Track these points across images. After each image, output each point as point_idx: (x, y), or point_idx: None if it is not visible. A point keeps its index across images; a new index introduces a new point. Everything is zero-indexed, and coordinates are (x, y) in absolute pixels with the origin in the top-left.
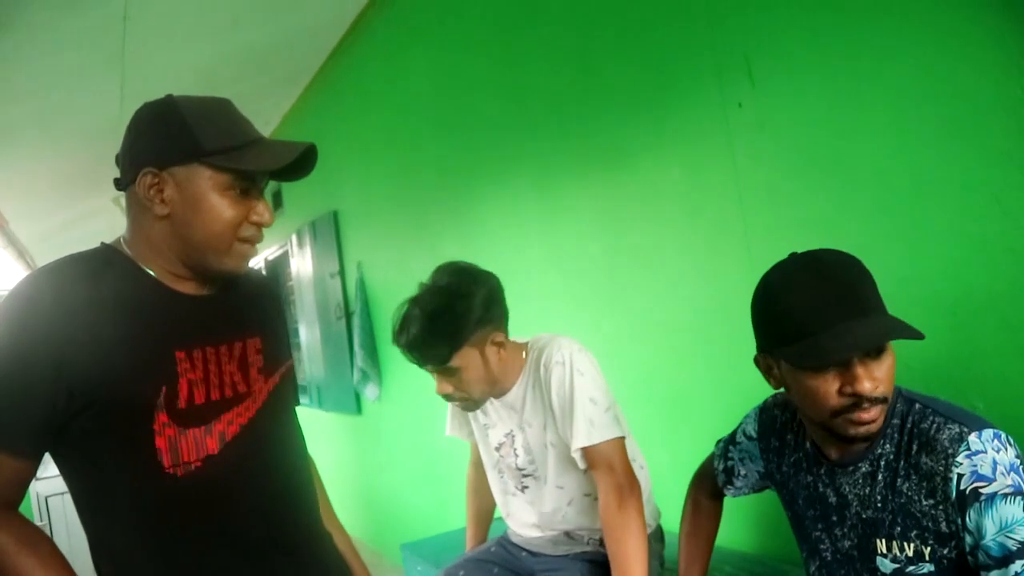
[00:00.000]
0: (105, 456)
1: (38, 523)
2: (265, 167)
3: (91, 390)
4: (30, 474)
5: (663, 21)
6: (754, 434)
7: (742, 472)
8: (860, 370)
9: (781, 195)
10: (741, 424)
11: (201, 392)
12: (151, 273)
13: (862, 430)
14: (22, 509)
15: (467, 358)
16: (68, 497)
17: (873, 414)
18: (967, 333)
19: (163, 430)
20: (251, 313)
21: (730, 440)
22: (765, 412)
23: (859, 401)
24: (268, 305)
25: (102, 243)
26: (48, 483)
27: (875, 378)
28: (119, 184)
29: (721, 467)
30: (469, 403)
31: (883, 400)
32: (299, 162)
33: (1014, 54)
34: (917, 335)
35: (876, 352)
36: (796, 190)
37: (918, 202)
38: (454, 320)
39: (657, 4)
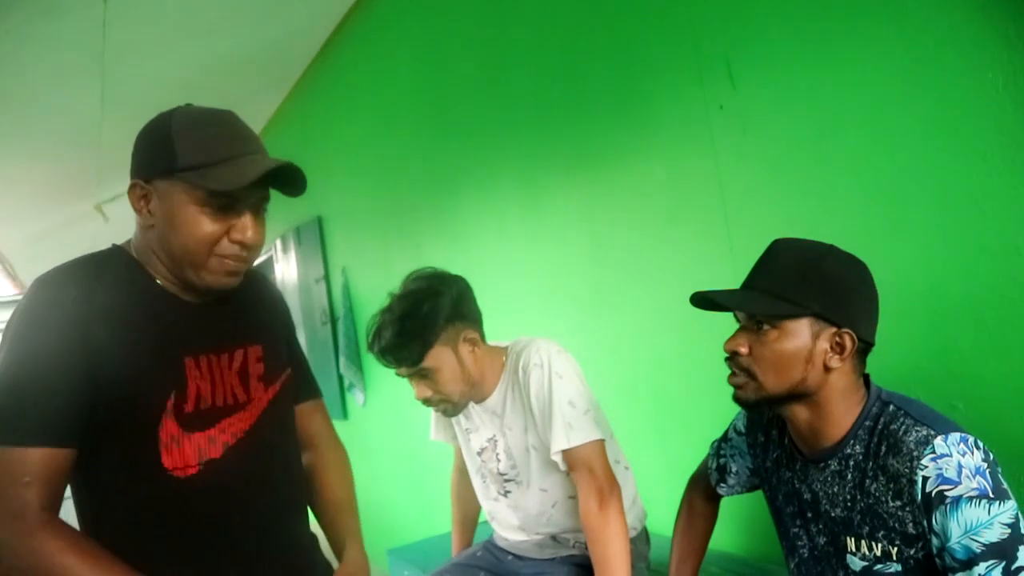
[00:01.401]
0: (109, 453)
1: None
2: (228, 186)
3: (112, 388)
4: (71, 464)
5: (645, 24)
6: (743, 429)
7: (734, 469)
8: (736, 333)
9: (763, 196)
10: (733, 421)
11: (207, 398)
12: (156, 280)
13: (736, 392)
14: None
15: (440, 358)
16: (68, 503)
17: (735, 380)
18: (946, 333)
19: (168, 432)
20: (253, 320)
21: (723, 438)
22: None
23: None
24: (271, 311)
25: (113, 244)
26: None
27: (735, 340)
28: None
29: (714, 465)
30: (448, 407)
31: (743, 369)
32: (287, 178)
33: (991, 57)
34: (748, 308)
35: (754, 322)
36: (777, 191)
37: (897, 203)
38: (423, 320)
39: (639, 7)
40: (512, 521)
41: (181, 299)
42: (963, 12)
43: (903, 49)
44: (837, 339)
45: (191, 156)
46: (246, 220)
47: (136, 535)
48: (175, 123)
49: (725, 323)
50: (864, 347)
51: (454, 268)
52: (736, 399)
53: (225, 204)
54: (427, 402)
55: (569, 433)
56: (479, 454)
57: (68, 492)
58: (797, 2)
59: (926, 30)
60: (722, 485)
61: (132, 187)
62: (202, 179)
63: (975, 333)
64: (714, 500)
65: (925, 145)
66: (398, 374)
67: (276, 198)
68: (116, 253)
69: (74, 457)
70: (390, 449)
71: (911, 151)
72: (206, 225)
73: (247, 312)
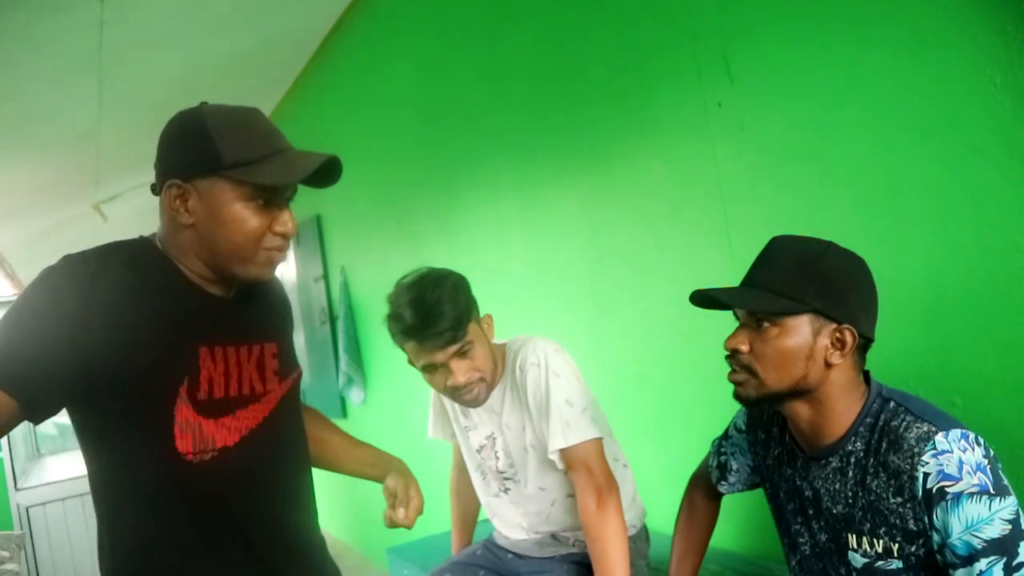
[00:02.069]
0: (126, 437)
1: (18, 532)
2: (282, 181)
3: (113, 371)
4: (13, 422)
5: (643, 21)
6: (743, 427)
7: (734, 467)
8: (736, 331)
9: (762, 193)
10: (734, 418)
11: (220, 387)
12: (182, 270)
13: (737, 389)
14: (0, 519)
15: (475, 332)
16: (49, 508)
17: (736, 376)
18: (944, 330)
19: (182, 417)
20: (271, 319)
21: (723, 436)
22: None
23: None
24: (284, 313)
25: (140, 236)
26: (29, 493)
27: (735, 338)
28: (154, 190)
29: (715, 463)
30: (483, 387)
31: (744, 366)
32: (322, 170)
33: (988, 53)
34: (746, 305)
35: (754, 320)
36: (776, 188)
37: (895, 200)
38: (454, 295)
39: (638, 4)
40: (513, 517)
41: (205, 291)
42: (961, 8)
43: (901, 45)
44: (838, 335)
45: (235, 154)
46: (287, 213)
47: (150, 517)
48: (210, 121)
49: (724, 320)
50: (864, 343)
51: (453, 267)
52: (737, 396)
53: (268, 198)
54: (466, 386)
55: (567, 432)
56: (478, 451)
57: (85, 489)
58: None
59: (924, 27)
60: (723, 483)
61: (168, 187)
62: (254, 176)
63: (973, 330)
64: (715, 498)
65: (923, 141)
66: (430, 363)
67: None
68: (144, 243)
69: (13, 413)
70: (389, 448)
71: (909, 148)
72: (252, 220)
73: (265, 311)
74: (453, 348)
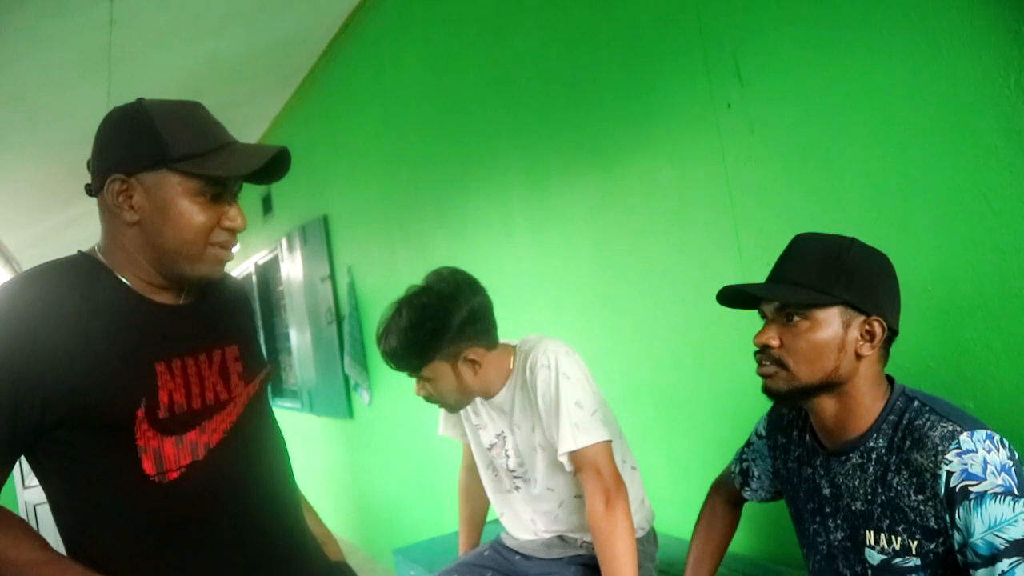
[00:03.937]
0: (88, 466)
1: None
2: (233, 172)
3: (66, 403)
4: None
5: (652, 22)
6: (764, 432)
7: (756, 473)
8: (765, 326)
9: (771, 195)
10: (755, 426)
11: (182, 401)
12: (126, 283)
13: (766, 382)
14: None
15: (437, 371)
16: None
17: (766, 370)
18: (956, 333)
19: (145, 439)
20: (227, 321)
21: (745, 444)
22: (775, 409)
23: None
24: (243, 312)
25: (79, 251)
26: (38, 491)
27: (765, 333)
28: (90, 190)
29: (737, 469)
30: (447, 406)
31: (775, 360)
32: (271, 165)
33: (1002, 53)
34: (780, 298)
35: (783, 315)
36: (786, 190)
37: (907, 201)
38: (426, 336)
39: (646, 6)
40: (526, 514)
41: (154, 302)
42: (973, 9)
43: (913, 47)
44: (867, 327)
45: (183, 147)
46: (235, 208)
47: (125, 544)
48: (155, 115)
49: (733, 321)
50: (890, 336)
51: (459, 267)
52: (766, 390)
53: (216, 193)
54: (427, 399)
55: (576, 434)
56: (489, 449)
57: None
58: (805, 0)
59: (936, 27)
60: (746, 488)
61: (111, 182)
62: (204, 168)
63: (986, 332)
64: (736, 505)
65: (935, 143)
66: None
67: (282, 197)
68: (81, 259)
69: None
70: (396, 448)
71: (921, 149)
72: (200, 215)
73: (222, 312)
74: (409, 374)
